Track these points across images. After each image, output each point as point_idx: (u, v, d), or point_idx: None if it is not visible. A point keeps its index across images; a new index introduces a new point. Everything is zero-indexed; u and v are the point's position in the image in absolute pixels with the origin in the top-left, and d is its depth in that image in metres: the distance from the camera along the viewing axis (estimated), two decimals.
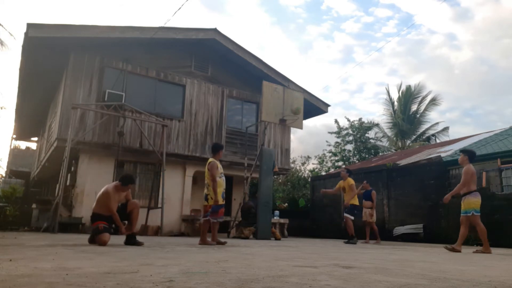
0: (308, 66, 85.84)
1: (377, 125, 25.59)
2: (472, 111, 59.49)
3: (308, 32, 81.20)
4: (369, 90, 65.14)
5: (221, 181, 6.02)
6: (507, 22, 58.09)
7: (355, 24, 68.41)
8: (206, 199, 5.97)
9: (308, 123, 75.25)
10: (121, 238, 5.44)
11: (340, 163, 25.39)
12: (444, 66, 59.20)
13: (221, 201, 5.95)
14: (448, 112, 54.72)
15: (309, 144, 46.96)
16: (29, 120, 16.28)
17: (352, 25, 69.07)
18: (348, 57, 75.72)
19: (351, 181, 9.06)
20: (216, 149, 6.26)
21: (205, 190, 6.02)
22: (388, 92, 26.47)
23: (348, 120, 26.04)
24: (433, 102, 24.55)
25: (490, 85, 56.23)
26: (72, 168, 10.72)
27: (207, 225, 6.02)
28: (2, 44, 10.46)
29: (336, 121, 27.01)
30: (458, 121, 56.60)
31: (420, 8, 67.34)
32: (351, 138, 25.64)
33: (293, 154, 28.84)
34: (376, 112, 63.92)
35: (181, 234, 11.08)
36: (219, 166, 6.07)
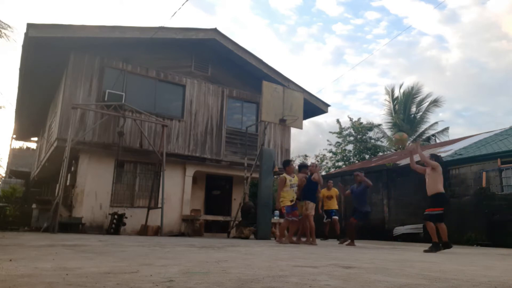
0: (301, 67, 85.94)
1: (377, 126, 25.57)
2: (464, 112, 59.64)
3: (299, 34, 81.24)
4: (362, 91, 65.27)
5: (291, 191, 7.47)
6: (494, 26, 58.27)
7: (344, 26, 68.57)
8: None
9: None
10: (122, 238, 5.45)
11: (340, 163, 25.39)
12: (435, 68, 59.36)
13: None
14: (440, 112, 54.86)
15: (300, 142, 47.45)
16: (29, 120, 16.26)
17: (342, 27, 69.25)
18: (339, 58, 75.83)
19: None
20: (284, 165, 7.88)
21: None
22: (388, 92, 26.39)
23: (351, 119, 26.00)
24: (435, 103, 24.53)
25: (481, 87, 56.44)
26: (72, 168, 10.72)
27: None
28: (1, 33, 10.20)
29: (338, 121, 26.99)
30: (450, 122, 56.73)
31: (409, 10, 67.53)
32: (351, 138, 25.63)
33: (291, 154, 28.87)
34: (370, 113, 63.98)
35: (181, 234, 11.08)
36: (288, 178, 7.46)
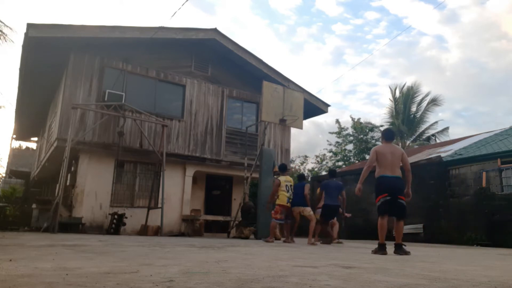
0: (301, 67, 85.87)
1: (378, 127, 25.57)
2: (464, 112, 59.56)
3: (299, 34, 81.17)
4: (361, 91, 65.14)
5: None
6: (494, 25, 58.21)
7: (344, 26, 68.56)
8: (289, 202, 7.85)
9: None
10: (122, 238, 5.44)
11: (340, 163, 25.40)
12: (435, 68, 59.21)
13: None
14: (440, 112, 54.71)
15: (300, 142, 47.44)
16: (29, 120, 16.26)
17: (341, 27, 69.24)
18: (339, 58, 75.75)
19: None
20: (284, 169, 8.18)
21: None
22: (392, 91, 26.33)
23: (353, 119, 25.98)
24: (434, 102, 24.51)
25: (481, 87, 56.38)
26: (72, 168, 10.72)
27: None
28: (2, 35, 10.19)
29: (337, 121, 27.01)
30: (450, 122, 56.57)
31: (409, 10, 67.44)
32: (351, 138, 25.63)
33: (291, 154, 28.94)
34: (370, 113, 63.80)
35: (181, 234, 11.08)
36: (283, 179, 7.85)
